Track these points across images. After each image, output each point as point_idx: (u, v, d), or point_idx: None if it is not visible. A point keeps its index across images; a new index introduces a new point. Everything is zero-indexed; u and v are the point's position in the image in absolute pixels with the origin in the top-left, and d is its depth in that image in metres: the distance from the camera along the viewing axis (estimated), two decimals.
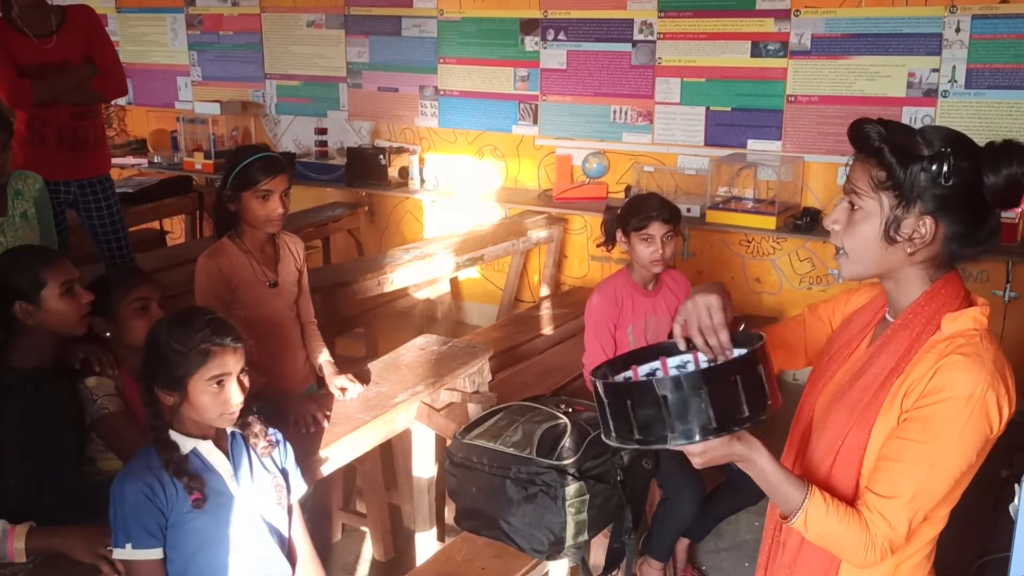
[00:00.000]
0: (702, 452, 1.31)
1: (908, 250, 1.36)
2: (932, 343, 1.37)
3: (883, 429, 1.38)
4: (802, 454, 1.51)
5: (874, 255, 1.38)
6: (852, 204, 1.39)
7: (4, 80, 3.58)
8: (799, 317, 1.68)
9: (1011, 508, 1.65)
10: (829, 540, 1.37)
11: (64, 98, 3.68)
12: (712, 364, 1.39)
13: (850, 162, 1.41)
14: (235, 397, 1.86)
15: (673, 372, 1.41)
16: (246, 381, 1.90)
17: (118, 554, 1.80)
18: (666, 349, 1.48)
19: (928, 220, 1.33)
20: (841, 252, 1.42)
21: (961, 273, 1.43)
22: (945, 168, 1.30)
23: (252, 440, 1.97)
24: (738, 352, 1.39)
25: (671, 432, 1.26)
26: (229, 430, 1.95)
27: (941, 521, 1.44)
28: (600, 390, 1.33)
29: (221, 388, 1.84)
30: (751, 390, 1.28)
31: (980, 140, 1.37)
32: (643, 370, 1.45)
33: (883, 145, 1.33)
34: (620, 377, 1.42)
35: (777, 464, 1.36)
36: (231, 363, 1.85)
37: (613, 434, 1.32)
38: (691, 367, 1.42)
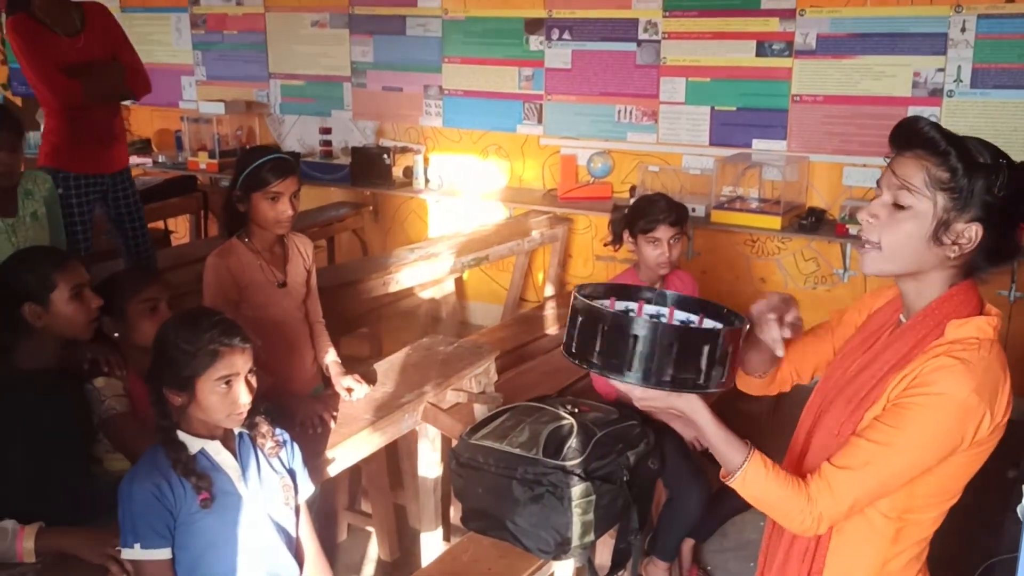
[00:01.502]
0: (643, 396, 1.40)
1: (951, 254, 1.37)
2: (932, 347, 1.38)
3: (870, 419, 1.41)
4: (808, 445, 1.53)
5: (912, 254, 1.39)
6: (897, 200, 1.38)
7: (53, 82, 3.65)
8: (827, 324, 1.69)
9: (1019, 509, 1.65)
10: (766, 502, 1.42)
11: (106, 97, 3.80)
12: (688, 324, 1.46)
13: (892, 157, 1.41)
14: (243, 397, 1.86)
15: (650, 316, 1.48)
16: (254, 381, 1.90)
17: (126, 554, 1.81)
18: (645, 295, 1.56)
19: (976, 226, 1.35)
20: (872, 246, 1.41)
21: (978, 279, 1.43)
22: (1003, 179, 1.33)
23: (259, 441, 1.97)
24: (717, 325, 1.47)
25: (628, 369, 1.34)
26: (237, 431, 1.96)
27: (930, 524, 1.45)
28: (579, 306, 1.40)
29: (229, 388, 1.85)
30: (713, 362, 1.34)
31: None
32: (619, 306, 1.52)
33: (951, 148, 1.34)
34: (599, 303, 1.48)
35: (718, 424, 1.42)
36: (239, 363, 1.86)
37: (574, 349, 1.41)
38: (665, 320, 1.50)
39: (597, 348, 1.36)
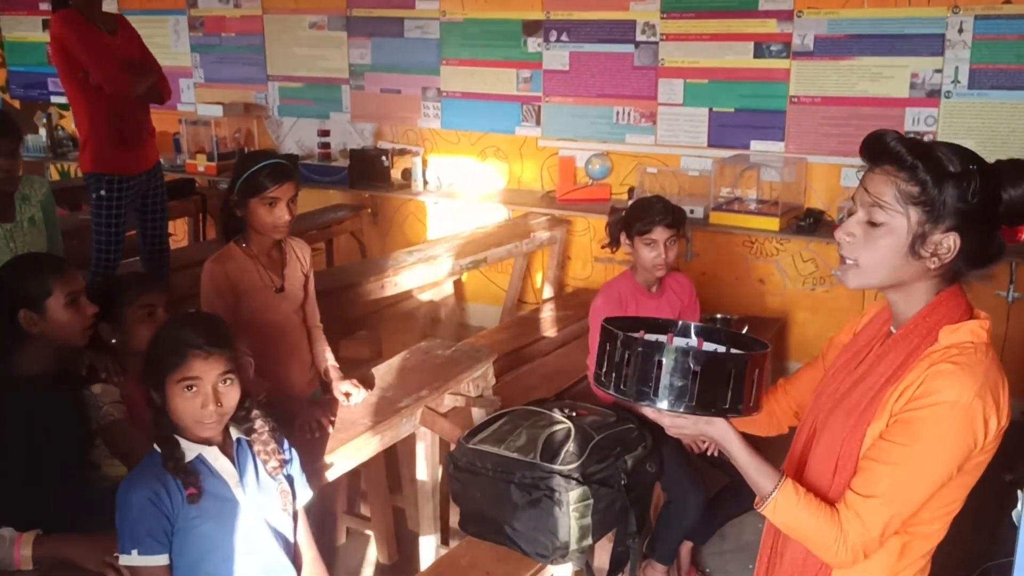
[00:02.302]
0: (672, 423, 1.43)
1: (931, 265, 1.37)
2: (928, 354, 1.38)
3: (874, 435, 1.40)
4: (804, 462, 1.52)
5: (891, 268, 1.39)
6: (871, 218, 1.38)
7: (111, 72, 3.73)
8: (819, 355, 1.69)
9: (1014, 514, 1.66)
10: (799, 531, 1.41)
11: (147, 95, 3.89)
12: (713, 352, 1.48)
13: (862, 172, 1.41)
14: (208, 406, 1.82)
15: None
16: (229, 392, 1.85)
17: (124, 560, 1.81)
18: (673, 328, 1.61)
19: (953, 236, 1.35)
20: (850, 263, 1.41)
21: (964, 282, 1.43)
22: (974, 185, 1.32)
23: (263, 458, 1.96)
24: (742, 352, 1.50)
25: (657, 395, 1.38)
26: (234, 436, 1.95)
27: (935, 536, 1.44)
28: (614, 339, 1.43)
29: (193, 394, 1.81)
30: (738, 387, 1.38)
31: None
32: (650, 338, 1.54)
33: (917, 162, 1.34)
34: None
35: (750, 451, 1.42)
36: (203, 368, 1.81)
37: (603, 378, 1.45)
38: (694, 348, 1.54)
39: (627, 375, 1.40)
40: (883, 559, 1.42)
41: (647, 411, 1.42)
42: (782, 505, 1.39)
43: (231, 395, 1.87)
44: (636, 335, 1.49)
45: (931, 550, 1.46)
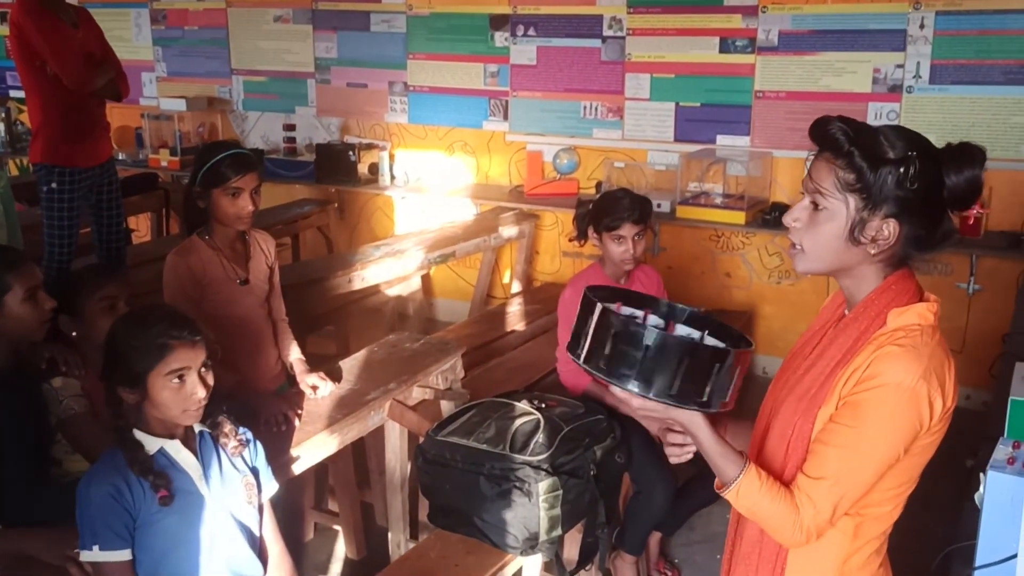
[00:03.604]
0: (641, 406, 1.39)
1: (872, 251, 1.38)
2: (875, 336, 1.39)
3: (825, 417, 1.41)
4: (763, 447, 1.53)
5: (833, 254, 1.40)
6: (815, 203, 1.39)
7: (70, 64, 3.68)
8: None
9: (976, 497, 1.68)
10: (759, 515, 1.42)
11: (104, 90, 3.85)
12: (697, 341, 1.46)
13: (811, 158, 1.42)
14: (198, 392, 1.83)
15: (655, 327, 1.47)
16: (209, 377, 1.87)
17: (85, 556, 1.78)
18: (651, 304, 1.57)
19: (892, 222, 1.35)
20: (797, 248, 1.43)
21: (921, 267, 1.45)
22: (912, 171, 1.32)
23: (222, 440, 1.95)
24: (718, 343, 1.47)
25: (634, 378, 1.34)
26: (197, 429, 1.93)
27: (888, 517, 1.46)
28: (593, 311, 1.38)
29: (182, 383, 1.82)
30: (720, 382, 1.36)
31: (945, 134, 1.39)
32: (625, 311, 1.52)
33: (853, 148, 1.34)
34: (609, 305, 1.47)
35: (716, 437, 1.42)
36: (191, 357, 1.83)
37: (583, 352, 1.39)
38: (664, 330, 1.50)
39: (606, 354, 1.36)
40: (836, 540, 1.43)
41: (615, 390, 1.39)
42: (745, 490, 1.40)
43: (210, 382, 1.87)
44: (615, 309, 1.47)
45: (885, 531, 1.48)
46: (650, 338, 1.33)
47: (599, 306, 1.38)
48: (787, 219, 1.44)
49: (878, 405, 1.34)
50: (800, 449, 1.43)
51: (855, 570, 1.46)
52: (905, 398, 1.33)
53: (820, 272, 1.45)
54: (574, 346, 1.42)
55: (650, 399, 1.36)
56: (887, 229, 1.36)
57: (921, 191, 1.33)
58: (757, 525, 1.47)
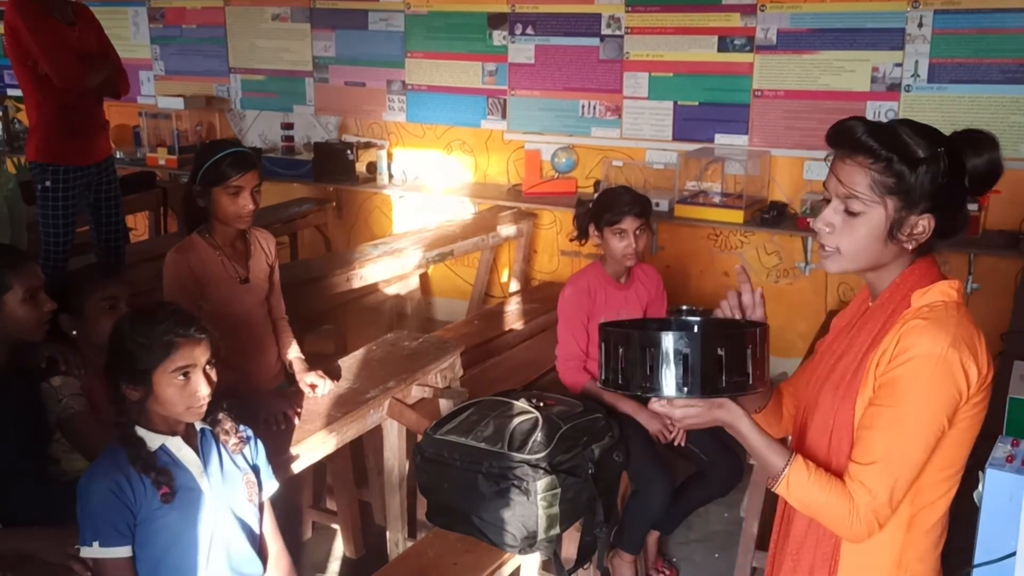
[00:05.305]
0: (684, 415, 1.41)
1: (908, 245, 1.41)
2: (902, 317, 1.41)
3: (864, 402, 1.42)
4: (803, 439, 1.55)
5: (872, 253, 1.42)
6: (848, 208, 1.40)
7: (62, 62, 3.65)
8: (815, 354, 1.70)
9: (975, 495, 1.68)
10: (813, 506, 1.42)
11: (101, 88, 3.83)
12: (705, 331, 1.48)
13: (831, 160, 1.43)
14: (202, 389, 1.83)
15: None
16: (213, 374, 1.87)
17: (85, 552, 1.78)
18: (660, 323, 1.62)
19: (927, 217, 1.39)
20: (831, 250, 1.44)
21: (936, 252, 1.47)
22: (943, 166, 1.36)
23: (223, 437, 1.95)
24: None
25: (683, 385, 1.36)
26: (198, 426, 1.93)
27: (941, 505, 1.46)
28: (620, 339, 1.41)
29: (187, 380, 1.82)
30: (733, 365, 1.37)
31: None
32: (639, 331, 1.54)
33: (892, 154, 1.36)
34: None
35: (759, 432, 1.43)
36: (196, 354, 1.83)
37: (621, 379, 1.40)
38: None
39: (647, 373, 1.37)
40: (890, 532, 1.43)
41: (655, 406, 1.40)
42: (794, 481, 1.40)
43: (215, 379, 1.88)
44: (623, 328, 1.49)
45: (940, 520, 1.47)
46: (682, 344, 1.35)
47: (630, 333, 1.40)
48: (818, 225, 1.45)
49: (913, 378, 1.36)
50: (843, 438, 1.44)
51: (913, 562, 1.46)
52: (939, 367, 1.34)
53: (855, 271, 1.47)
54: (613, 379, 1.42)
55: (687, 404, 1.38)
56: (923, 224, 1.39)
57: (950, 183, 1.37)
58: (804, 522, 1.48)
